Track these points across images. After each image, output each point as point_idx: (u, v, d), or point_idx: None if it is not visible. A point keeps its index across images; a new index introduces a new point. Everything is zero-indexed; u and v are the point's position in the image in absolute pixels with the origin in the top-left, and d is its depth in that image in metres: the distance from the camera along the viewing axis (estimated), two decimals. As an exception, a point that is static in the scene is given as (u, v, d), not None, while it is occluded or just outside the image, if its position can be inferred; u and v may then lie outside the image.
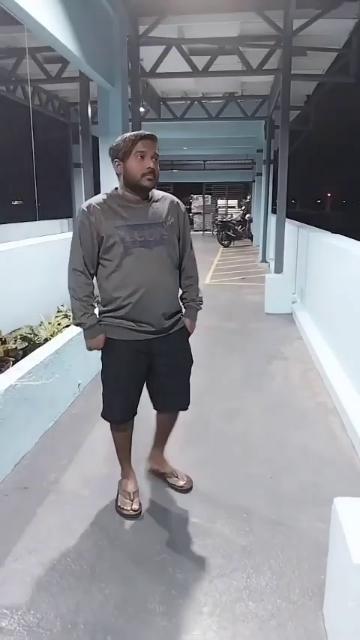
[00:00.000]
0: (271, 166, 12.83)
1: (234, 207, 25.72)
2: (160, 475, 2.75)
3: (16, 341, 3.51)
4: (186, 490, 2.65)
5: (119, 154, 2.19)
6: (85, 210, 2.22)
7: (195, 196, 26.04)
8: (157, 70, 7.80)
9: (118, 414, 2.43)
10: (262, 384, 4.29)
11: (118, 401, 2.40)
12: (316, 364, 4.68)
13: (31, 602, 1.95)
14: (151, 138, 2.18)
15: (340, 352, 4.34)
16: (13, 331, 3.67)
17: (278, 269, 7.07)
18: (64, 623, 1.85)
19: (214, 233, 19.93)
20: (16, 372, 3.02)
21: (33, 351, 3.48)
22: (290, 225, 7.93)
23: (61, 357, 3.56)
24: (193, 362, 2.52)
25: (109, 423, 2.49)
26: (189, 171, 24.74)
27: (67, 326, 4.22)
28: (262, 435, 3.37)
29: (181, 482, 2.67)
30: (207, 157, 22.51)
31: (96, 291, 2.34)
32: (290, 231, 7.61)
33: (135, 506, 2.47)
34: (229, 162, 23.23)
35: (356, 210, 49.64)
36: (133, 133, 2.20)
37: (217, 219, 22.40)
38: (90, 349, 2.38)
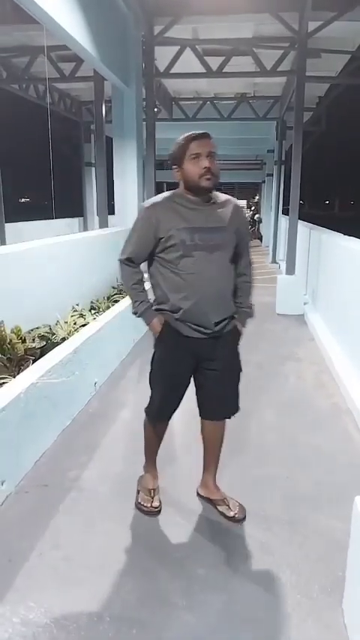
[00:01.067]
0: (282, 167, 12.85)
1: (243, 207, 25.71)
2: (210, 502, 2.59)
3: (34, 340, 3.56)
4: (238, 521, 2.45)
5: (176, 161, 2.19)
6: (148, 208, 2.23)
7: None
8: (171, 71, 7.83)
9: (160, 409, 2.43)
10: (276, 385, 4.33)
11: (166, 394, 2.39)
12: (329, 365, 4.71)
13: (57, 596, 2.00)
14: (203, 137, 2.15)
15: (353, 354, 4.37)
16: (31, 330, 3.72)
17: (290, 270, 7.09)
18: (90, 616, 1.90)
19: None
20: (36, 370, 3.07)
21: (50, 350, 3.54)
22: (301, 227, 7.94)
23: (79, 356, 3.62)
24: (242, 369, 2.46)
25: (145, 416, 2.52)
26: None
27: (82, 325, 4.28)
28: (276, 435, 3.41)
29: (232, 513, 2.47)
30: (217, 157, 22.49)
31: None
32: (301, 233, 7.62)
33: (155, 504, 2.51)
34: (239, 162, 23.21)
35: (364, 210, 49.50)
36: (184, 135, 2.18)
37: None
38: (153, 333, 2.35)
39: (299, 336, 5.86)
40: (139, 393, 4.13)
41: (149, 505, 2.51)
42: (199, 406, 2.48)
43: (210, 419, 2.50)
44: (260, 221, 19.20)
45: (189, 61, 7.81)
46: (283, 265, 8.82)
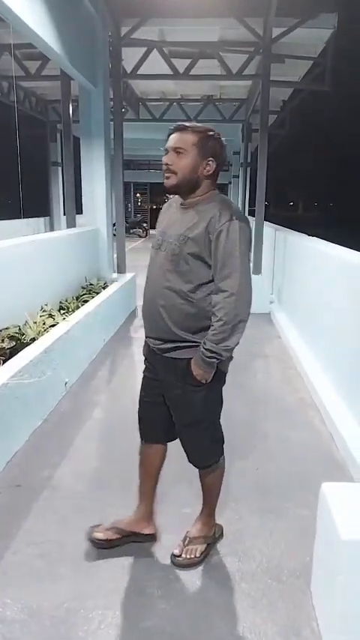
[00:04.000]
0: (248, 169, 13.05)
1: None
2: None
3: (3, 340, 3.54)
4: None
5: None
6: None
7: (171, 196, 26.10)
8: (138, 72, 7.87)
9: (139, 427, 2.26)
10: (245, 381, 4.43)
11: (139, 411, 2.25)
12: (295, 362, 4.86)
13: (34, 592, 2.02)
14: (173, 130, 1.94)
15: (318, 351, 4.52)
16: (0, 331, 3.70)
17: (256, 270, 7.24)
18: (67, 610, 1.94)
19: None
20: (7, 371, 3.06)
21: (20, 350, 3.52)
22: (267, 228, 8.12)
23: (50, 356, 3.62)
24: (198, 421, 2.07)
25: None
26: (160, 172, 24.77)
27: (52, 325, 4.27)
28: (245, 429, 3.50)
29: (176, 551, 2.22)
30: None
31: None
32: (267, 233, 7.79)
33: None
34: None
35: (327, 211, 50.71)
36: None
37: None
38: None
39: (266, 334, 6.00)
40: (110, 393, 4.16)
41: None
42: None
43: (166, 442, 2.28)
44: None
45: (156, 63, 7.86)
46: (250, 265, 8.95)
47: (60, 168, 13.90)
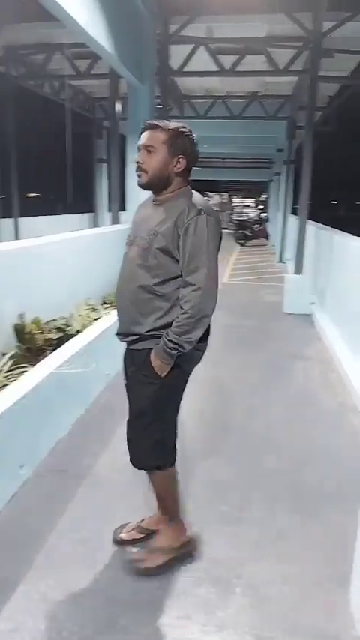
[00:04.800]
0: (292, 166, 12.87)
1: (249, 205, 25.76)
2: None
3: (51, 331, 3.66)
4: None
5: None
6: (217, 211, 2.10)
7: (211, 194, 26.11)
8: (184, 69, 7.90)
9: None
10: (284, 382, 4.40)
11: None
12: (337, 365, 4.78)
13: (76, 576, 2.09)
14: (145, 129, 1.95)
15: (361, 353, 4.44)
16: (48, 322, 3.82)
17: (298, 270, 7.16)
18: (107, 595, 1.99)
19: (231, 231, 20.02)
20: (54, 360, 3.16)
21: (66, 341, 3.63)
22: (310, 227, 8.01)
23: (93, 349, 3.71)
24: (144, 414, 2.01)
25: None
26: (205, 169, 24.78)
27: (95, 319, 4.36)
28: (284, 431, 3.49)
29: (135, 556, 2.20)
30: (225, 155, 22.54)
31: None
32: (310, 232, 7.68)
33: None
34: (248, 160, 23.23)
35: (372, 211, 49.26)
36: None
37: (233, 218, 22.46)
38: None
39: (307, 336, 5.93)
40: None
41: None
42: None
43: None
44: (267, 220, 19.23)
45: (202, 60, 7.87)
46: (290, 265, 8.87)
47: (105, 165, 14.13)
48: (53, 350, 3.34)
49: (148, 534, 2.30)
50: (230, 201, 26.31)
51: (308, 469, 2.98)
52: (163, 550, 2.15)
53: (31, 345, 3.29)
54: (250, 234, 18.01)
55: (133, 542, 2.29)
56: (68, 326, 3.88)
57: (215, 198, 25.78)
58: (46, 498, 2.61)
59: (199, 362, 2.08)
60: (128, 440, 2.08)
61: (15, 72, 9.42)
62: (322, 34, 6.61)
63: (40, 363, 3.11)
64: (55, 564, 2.16)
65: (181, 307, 1.88)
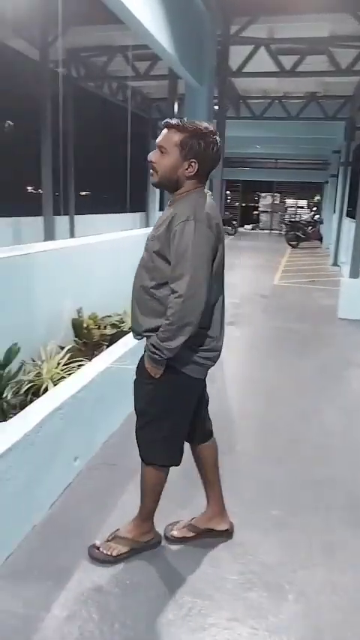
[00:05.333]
0: (349, 168, 12.55)
1: (303, 207, 25.31)
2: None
3: (106, 327, 3.74)
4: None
5: None
6: (209, 215, 2.00)
7: (263, 195, 25.84)
8: (244, 70, 7.86)
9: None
10: (339, 389, 4.31)
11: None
12: (393, 373, 4.63)
13: (127, 568, 2.13)
14: (163, 126, 1.93)
15: None
16: (103, 318, 3.90)
17: (354, 273, 6.96)
18: (159, 589, 2.02)
19: (282, 233, 19.75)
20: (110, 355, 3.23)
21: (119, 337, 3.70)
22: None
23: (147, 346, 3.75)
24: (146, 411, 2.09)
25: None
26: (259, 169, 24.54)
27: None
28: (338, 438, 3.41)
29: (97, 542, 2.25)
30: (279, 156, 22.26)
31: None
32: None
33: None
34: (301, 162, 22.83)
35: None
36: None
37: (285, 219, 22.14)
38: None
39: (362, 342, 5.78)
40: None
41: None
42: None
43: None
44: (321, 222, 18.82)
45: (261, 60, 7.81)
46: (345, 268, 8.64)
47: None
48: (108, 345, 3.41)
49: (199, 533, 2.31)
50: (283, 202, 25.94)
51: (362, 479, 2.90)
52: (127, 541, 2.18)
53: (88, 340, 3.37)
54: (303, 235, 17.69)
55: (184, 540, 2.30)
56: (122, 322, 3.95)
57: (267, 199, 25.48)
58: (98, 491, 2.67)
59: (209, 368, 2.06)
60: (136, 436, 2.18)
61: (75, 73, 9.69)
62: (389, 33, 6.42)
63: (97, 357, 3.19)
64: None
65: (166, 313, 1.87)
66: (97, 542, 2.21)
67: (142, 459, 2.19)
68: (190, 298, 1.82)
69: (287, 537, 2.37)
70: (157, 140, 1.92)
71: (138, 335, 2.07)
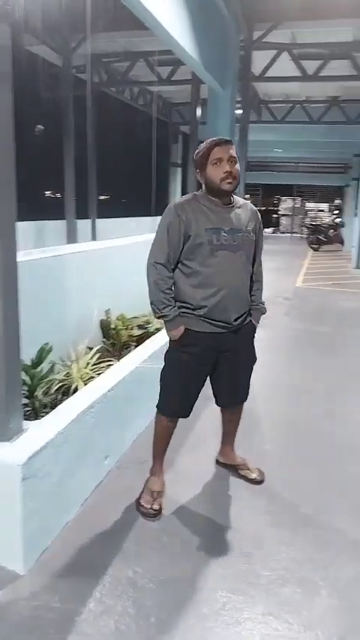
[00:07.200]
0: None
1: (324, 210, 25.16)
2: (231, 467, 2.87)
3: (133, 328, 3.79)
4: (258, 482, 2.76)
5: (199, 165, 2.32)
6: (177, 208, 2.32)
7: (284, 198, 25.77)
8: (266, 75, 7.89)
9: (179, 407, 2.53)
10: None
11: (181, 394, 2.49)
12: None
13: (161, 564, 2.17)
14: (225, 143, 2.27)
15: None
16: (131, 319, 3.96)
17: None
18: (192, 584, 2.05)
19: (303, 236, 19.65)
20: (138, 356, 3.28)
21: (146, 338, 3.75)
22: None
23: (173, 347, 3.80)
24: (256, 359, 2.64)
25: (157, 415, 2.59)
26: (279, 173, 24.48)
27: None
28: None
29: (253, 475, 2.79)
30: (299, 159, 22.19)
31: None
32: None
33: (155, 507, 2.51)
34: (322, 165, 22.72)
35: None
36: (207, 141, 2.31)
37: (305, 222, 22.03)
38: (172, 339, 2.43)
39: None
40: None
41: (149, 507, 2.51)
42: (215, 395, 2.66)
43: (227, 407, 2.74)
44: (342, 225, 18.67)
45: (283, 65, 7.83)
46: (369, 271, 8.59)
47: (179, 169, 14.36)
48: (136, 346, 3.46)
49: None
50: (303, 205, 25.85)
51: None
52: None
53: (116, 341, 3.43)
54: (324, 239, 17.59)
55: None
56: (149, 323, 4.00)
57: (287, 203, 25.42)
58: (129, 489, 2.70)
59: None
60: (242, 387, 2.67)
61: (97, 78, 9.82)
62: None
63: (125, 357, 3.24)
64: (141, 552, 2.24)
65: (260, 281, 2.61)
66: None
67: (247, 396, 2.71)
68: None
69: (317, 535, 2.38)
70: (230, 154, 2.26)
71: (242, 315, 2.48)
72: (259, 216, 2.51)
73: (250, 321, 2.52)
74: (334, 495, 2.71)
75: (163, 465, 2.67)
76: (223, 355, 2.46)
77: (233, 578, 2.09)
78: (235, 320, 2.39)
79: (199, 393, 2.53)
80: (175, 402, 2.52)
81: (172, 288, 2.37)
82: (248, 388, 2.68)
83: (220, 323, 2.37)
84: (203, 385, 2.54)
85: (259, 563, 2.18)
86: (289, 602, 1.96)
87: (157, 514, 2.48)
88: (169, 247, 2.31)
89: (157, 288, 2.33)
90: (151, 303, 2.38)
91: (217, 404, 2.71)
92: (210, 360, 2.46)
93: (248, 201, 2.51)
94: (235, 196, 2.41)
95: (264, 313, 2.60)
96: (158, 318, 2.41)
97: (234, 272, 2.35)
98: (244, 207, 2.43)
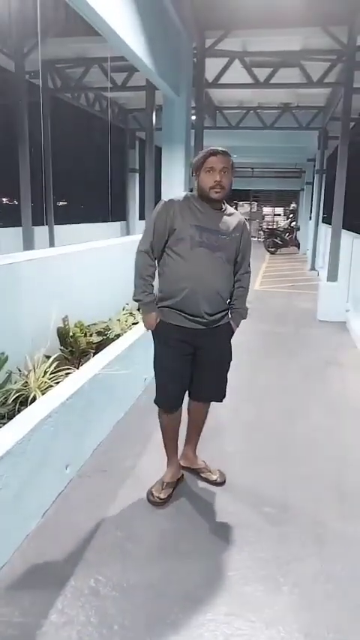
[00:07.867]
0: (323, 176, 12.85)
1: (280, 214, 25.72)
2: (193, 471, 2.93)
3: (92, 335, 3.76)
4: (220, 484, 2.82)
5: (194, 169, 2.47)
6: (167, 203, 2.48)
7: (241, 203, 26.18)
8: (219, 81, 8.02)
9: (165, 399, 2.67)
10: (320, 388, 4.40)
11: (167, 386, 2.64)
12: (373, 373, 4.75)
13: (124, 572, 2.15)
14: (221, 154, 2.40)
15: None
16: (89, 326, 3.92)
17: (332, 277, 7.13)
18: (157, 589, 2.05)
19: (260, 240, 20.01)
20: (97, 363, 3.25)
21: (106, 345, 3.72)
22: (344, 235, 7.97)
23: (133, 353, 3.79)
24: (232, 359, 2.73)
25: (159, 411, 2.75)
26: (235, 178, 24.78)
27: (133, 323, 4.46)
28: (323, 435, 3.49)
29: (214, 477, 2.86)
30: (255, 165, 22.60)
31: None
32: (343, 241, 7.64)
33: (162, 496, 2.65)
34: (278, 170, 23.23)
35: None
36: (207, 149, 2.43)
37: (263, 226, 22.45)
38: (146, 327, 2.63)
39: (341, 343, 5.90)
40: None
41: (156, 495, 2.66)
42: (188, 389, 2.74)
43: (198, 400, 2.82)
44: (298, 228, 19.14)
45: (236, 72, 7.98)
46: (323, 272, 8.83)
47: (137, 175, 14.36)
48: (95, 353, 3.43)
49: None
50: (260, 210, 26.36)
51: (350, 473, 2.98)
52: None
53: (74, 348, 3.39)
54: (281, 242, 17.97)
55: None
56: (108, 330, 3.98)
57: (244, 207, 25.85)
58: (90, 498, 2.68)
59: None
60: (219, 385, 2.76)
61: (52, 84, 9.72)
62: (358, 48, 6.64)
63: (84, 365, 3.21)
64: (103, 560, 2.22)
65: (244, 287, 2.69)
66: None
67: (223, 396, 2.80)
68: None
69: (280, 532, 2.42)
70: (223, 165, 2.38)
71: (215, 315, 2.58)
72: (248, 227, 2.65)
73: (229, 322, 2.64)
74: (295, 493, 2.77)
75: (174, 457, 2.80)
76: (200, 352, 2.59)
77: (197, 580, 2.10)
78: (210, 315, 2.49)
79: (183, 388, 2.67)
80: (163, 392, 2.65)
81: (152, 275, 2.52)
82: (223, 388, 2.76)
83: (193, 317, 2.48)
84: (186, 381, 2.66)
85: (222, 565, 2.19)
86: (251, 601, 1.99)
87: (162, 502, 2.62)
88: (154, 237, 2.47)
89: (138, 273, 2.50)
90: (134, 286, 2.53)
91: (189, 396, 2.80)
92: (188, 354, 2.58)
93: (239, 212, 2.63)
94: (228, 206, 2.57)
95: (244, 318, 2.69)
96: (135, 300, 2.58)
97: (211, 270, 2.45)
98: (233, 216, 2.57)
